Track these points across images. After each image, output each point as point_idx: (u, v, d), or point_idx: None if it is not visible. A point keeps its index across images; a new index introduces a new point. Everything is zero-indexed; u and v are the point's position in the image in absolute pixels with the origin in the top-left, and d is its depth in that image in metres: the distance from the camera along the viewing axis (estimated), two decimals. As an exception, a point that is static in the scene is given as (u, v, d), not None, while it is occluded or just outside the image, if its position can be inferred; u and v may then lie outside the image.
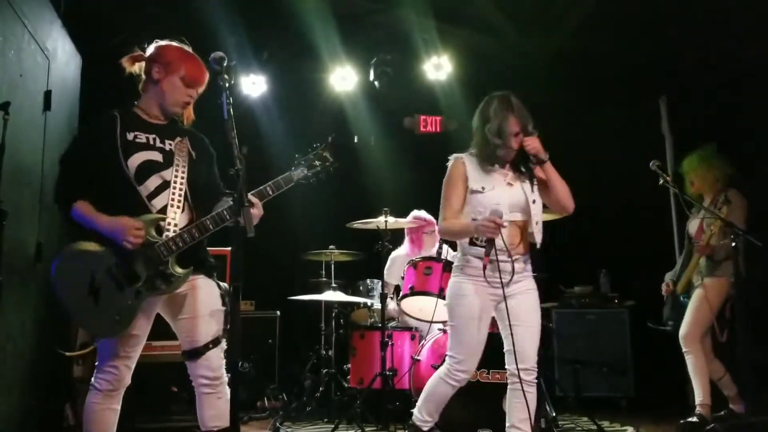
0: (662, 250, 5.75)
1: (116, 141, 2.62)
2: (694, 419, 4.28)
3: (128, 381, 2.69)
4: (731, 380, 4.42)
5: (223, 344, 2.72)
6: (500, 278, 3.10)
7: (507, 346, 3.20)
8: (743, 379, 4.04)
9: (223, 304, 2.75)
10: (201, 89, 2.81)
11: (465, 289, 3.20)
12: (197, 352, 2.65)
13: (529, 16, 6.06)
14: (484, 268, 3.08)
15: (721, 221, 4.10)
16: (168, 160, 2.69)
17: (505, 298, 3.11)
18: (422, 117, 7.02)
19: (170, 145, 2.73)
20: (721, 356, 4.49)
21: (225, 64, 2.50)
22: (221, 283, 2.82)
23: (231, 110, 2.46)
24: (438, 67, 6.56)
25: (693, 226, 4.57)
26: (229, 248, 4.29)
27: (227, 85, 2.48)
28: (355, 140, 7.13)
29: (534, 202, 3.24)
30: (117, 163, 2.60)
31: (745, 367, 3.79)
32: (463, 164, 3.26)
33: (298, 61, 6.59)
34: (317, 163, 2.81)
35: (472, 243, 3.19)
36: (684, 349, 4.40)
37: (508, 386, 3.22)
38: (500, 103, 3.27)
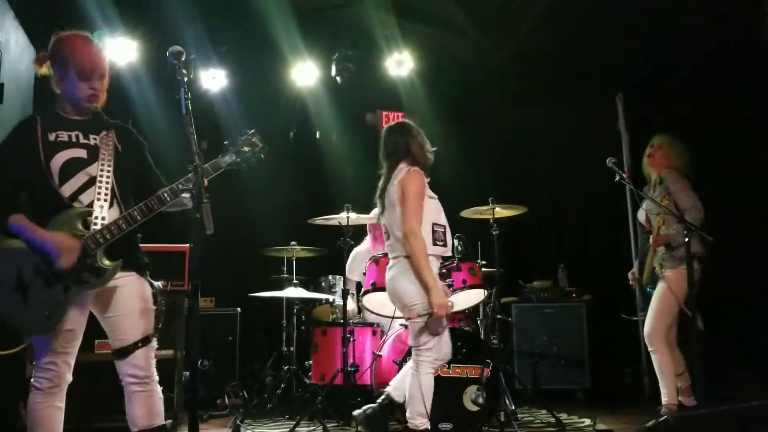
0: (619, 246, 5.88)
1: (37, 144, 2.59)
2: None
3: (69, 378, 2.63)
4: (687, 374, 4.41)
5: (154, 343, 2.71)
6: None
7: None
8: (695, 373, 4.09)
9: (155, 303, 2.73)
10: (101, 76, 2.70)
11: None
12: (126, 351, 2.63)
13: (489, 14, 6.12)
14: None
15: (676, 217, 4.15)
16: (93, 156, 2.66)
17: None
18: (384, 113, 7.03)
19: (95, 139, 2.70)
20: (682, 349, 4.47)
21: (183, 58, 2.46)
22: (154, 282, 2.80)
23: (189, 105, 2.43)
24: (399, 63, 6.58)
25: (641, 215, 4.63)
26: (188, 245, 4.24)
27: (185, 79, 2.45)
28: (317, 135, 7.11)
29: None
30: (38, 166, 2.57)
31: (697, 360, 3.85)
32: (422, 175, 3.66)
33: (259, 55, 6.53)
34: (246, 149, 2.78)
35: (435, 243, 3.58)
36: (650, 348, 4.32)
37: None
38: (417, 129, 3.81)
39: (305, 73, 6.63)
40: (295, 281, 5.42)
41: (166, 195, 2.65)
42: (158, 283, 2.82)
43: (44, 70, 2.74)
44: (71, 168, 2.61)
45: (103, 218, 2.59)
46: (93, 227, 2.57)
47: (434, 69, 6.70)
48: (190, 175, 2.53)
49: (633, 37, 5.87)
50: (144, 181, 2.78)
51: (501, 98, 6.84)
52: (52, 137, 2.63)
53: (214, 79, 6.48)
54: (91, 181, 2.62)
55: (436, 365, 3.61)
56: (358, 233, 5.42)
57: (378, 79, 6.76)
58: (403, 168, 3.67)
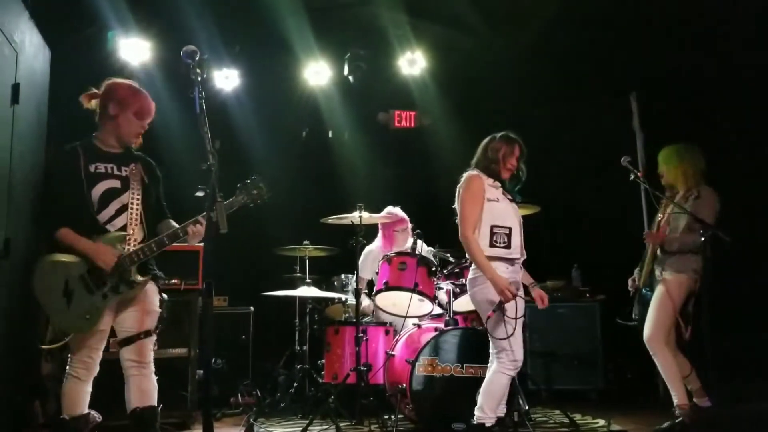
0: (633, 245, 5.82)
1: (81, 175, 3.06)
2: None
3: (98, 368, 3.15)
4: (696, 376, 4.40)
5: (153, 338, 3.18)
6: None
7: None
8: (708, 373, 4.05)
9: (160, 307, 3.23)
10: (150, 119, 3.25)
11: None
12: (130, 340, 3.09)
13: (501, 12, 6.08)
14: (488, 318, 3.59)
15: (690, 216, 4.11)
16: (125, 186, 3.15)
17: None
18: (396, 112, 7.03)
19: (126, 171, 3.18)
20: (686, 351, 4.44)
21: (197, 58, 2.52)
22: (163, 294, 3.31)
23: (203, 104, 2.46)
24: (412, 63, 6.57)
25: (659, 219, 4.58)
26: (202, 244, 4.26)
27: (199, 79, 2.51)
28: (330, 135, 7.12)
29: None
30: (82, 194, 3.04)
31: (710, 361, 3.82)
32: (480, 179, 3.72)
33: (271, 55, 6.54)
34: (255, 191, 3.20)
35: (492, 245, 3.62)
36: (651, 352, 4.27)
37: None
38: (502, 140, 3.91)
39: (317, 73, 6.64)
40: (307, 280, 5.43)
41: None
42: (164, 295, 3.31)
43: (92, 104, 3.20)
44: (108, 197, 3.09)
45: (135, 239, 3.08)
46: (128, 247, 3.05)
47: (447, 68, 6.67)
48: (204, 214, 2.86)
49: (647, 35, 5.83)
50: (158, 210, 3.28)
51: (513, 96, 6.81)
52: (92, 168, 3.10)
53: (227, 79, 6.49)
54: (123, 208, 3.11)
55: (513, 367, 3.58)
56: (370, 232, 5.42)
57: (390, 78, 6.74)
58: (464, 176, 3.79)
